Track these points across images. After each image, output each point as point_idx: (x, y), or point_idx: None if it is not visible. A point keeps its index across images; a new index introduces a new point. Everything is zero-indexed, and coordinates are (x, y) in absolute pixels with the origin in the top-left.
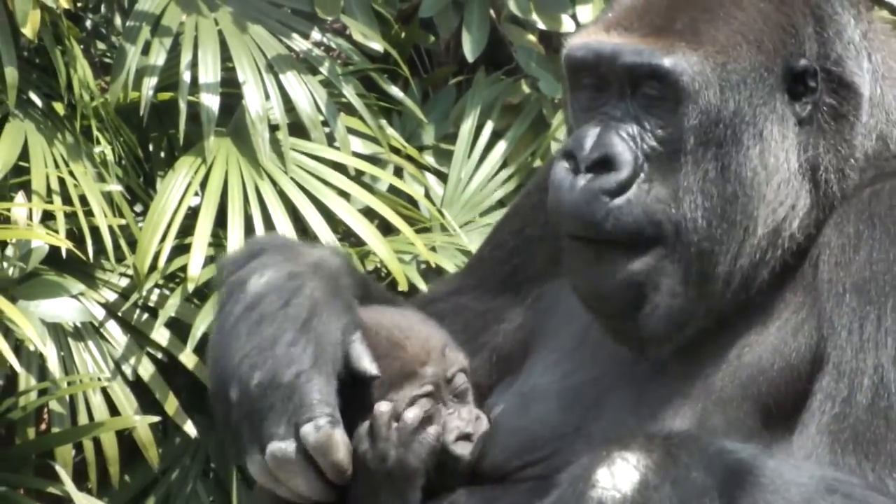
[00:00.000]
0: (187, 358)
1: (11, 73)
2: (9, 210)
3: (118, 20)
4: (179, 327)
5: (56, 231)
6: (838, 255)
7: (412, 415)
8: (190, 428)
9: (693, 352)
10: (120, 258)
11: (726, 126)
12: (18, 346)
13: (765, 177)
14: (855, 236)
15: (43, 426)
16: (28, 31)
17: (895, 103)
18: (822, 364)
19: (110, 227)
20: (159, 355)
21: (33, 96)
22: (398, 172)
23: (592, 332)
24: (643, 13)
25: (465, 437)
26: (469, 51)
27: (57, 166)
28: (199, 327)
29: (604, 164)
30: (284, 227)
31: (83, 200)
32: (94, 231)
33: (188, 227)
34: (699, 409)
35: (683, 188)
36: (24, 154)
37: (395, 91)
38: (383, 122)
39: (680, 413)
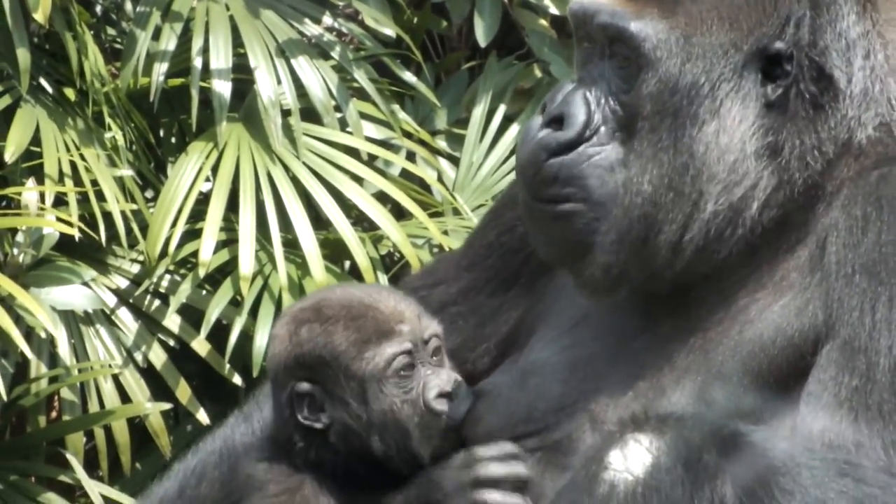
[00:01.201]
0: (199, 345)
1: (24, 57)
2: (20, 195)
3: (129, 5)
4: (191, 313)
5: (68, 216)
6: (846, 237)
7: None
8: (202, 415)
9: (693, 325)
10: (132, 244)
11: (683, 97)
12: (29, 333)
13: (717, 154)
14: (863, 218)
15: (53, 414)
16: (39, 16)
17: None
18: (829, 340)
19: (122, 213)
20: (171, 342)
21: (44, 82)
22: (411, 157)
23: (594, 308)
24: None
25: (445, 395)
26: (481, 35)
27: (68, 151)
28: (213, 313)
29: (559, 121)
30: (297, 211)
31: (95, 185)
32: (106, 217)
33: (199, 213)
34: (699, 382)
35: (635, 152)
36: (35, 140)
37: (408, 76)
38: (396, 106)
39: (679, 386)
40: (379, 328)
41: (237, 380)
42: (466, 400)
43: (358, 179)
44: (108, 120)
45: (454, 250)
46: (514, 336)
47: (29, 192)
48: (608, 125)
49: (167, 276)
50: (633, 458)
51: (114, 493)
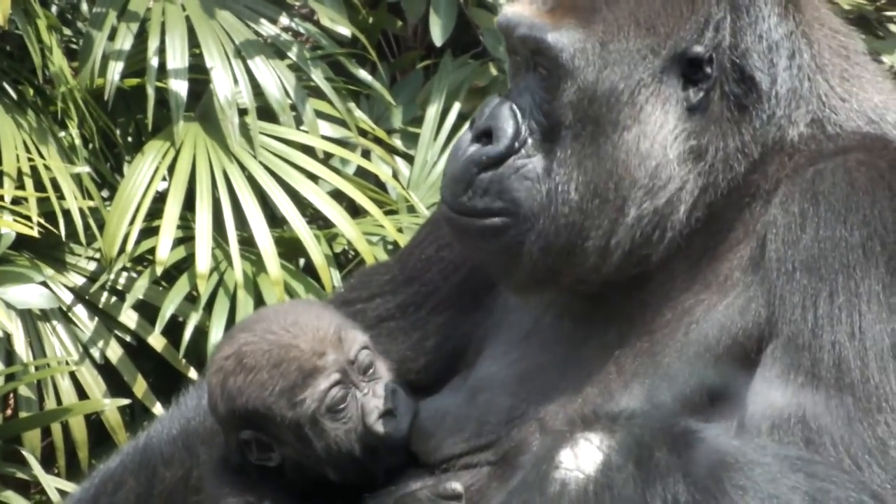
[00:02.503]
0: (156, 340)
1: None
2: None
3: (85, 6)
4: (147, 310)
5: (27, 214)
6: (785, 234)
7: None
8: (159, 410)
9: (638, 330)
10: (89, 241)
11: (602, 105)
12: None
13: (638, 159)
14: (800, 215)
15: (9, 411)
16: None
17: (834, 91)
18: (773, 338)
19: (80, 210)
20: (128, 338)
21: (2, 82)
22: (366, 155)
23: (541, 321)
24: None
25: (387, 412)
26: (437, 35)
27: (28, 150)
28: (168, 309)
29: (487, 135)
30: (253, 209)
31: (54, 184)
32: (65, 214)
33: (156, 211)
34: (647, 385)
35: (560, 161)
36: None
37: (364, 75)
38: (351, 105)
39: (627, 390)
40: (302, 369)
41: (193, 374)
42: (408, 412)
43: (313, 178)
44: (66, 118)
45: (385, 262)
46: (461, 352)
47: None
48: (534, 136)
49: (124, 274)
50: (584, 457)
51: (70, 488)
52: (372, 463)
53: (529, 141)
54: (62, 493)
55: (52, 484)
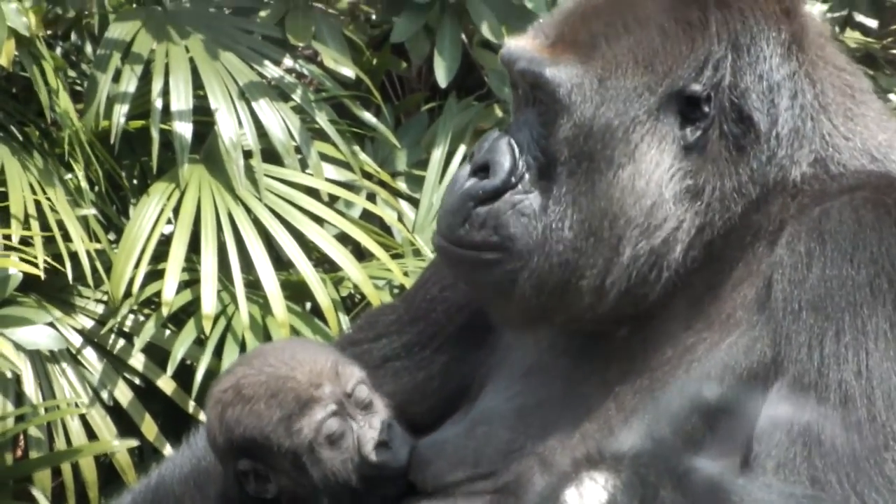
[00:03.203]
0: (165, 383)
1: None
2: None
3: (89, 48)
4: (155, 353)
5: (34, 256)
6: (791, 274)
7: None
8: (169, 452)
9: (639, 367)
10: (97, 284)
11: (598, 141)
12: None
13: (633, 198)
14: (807, 254)
15: (19, 452)
16: (2, 59)
17: (838, 130)
18: (779, 378)
19: (87, 252)
20: (136, 380)
21: (8, 124)
22: (371, 198)
23: (542, 358)
24: (562, 23)
25: (382, 444)
26: (441, 76)
27: (33, 191)
28: (178, 353)
29: (485, 169)
30: (258, 252)
31: (60, 226)
32: (72, 256)
33: (162, 254)
34: (647, 421)
35: (555, 198)
36: (0, 180)
37: (368, 117)
38: (356, 147)
39: (627, 426)
40: (299, 399)
41: (203, 417)
42: (405, 445)
43: (319, 220)
44: (71, 161)
45: (391, 303)
46: (465, 390)
47: None
48: (531, 172)
49: (131, 316)
50: (588, 497)
51: None
52: (368, 494)
53: (526, 176)
54: None
55: None
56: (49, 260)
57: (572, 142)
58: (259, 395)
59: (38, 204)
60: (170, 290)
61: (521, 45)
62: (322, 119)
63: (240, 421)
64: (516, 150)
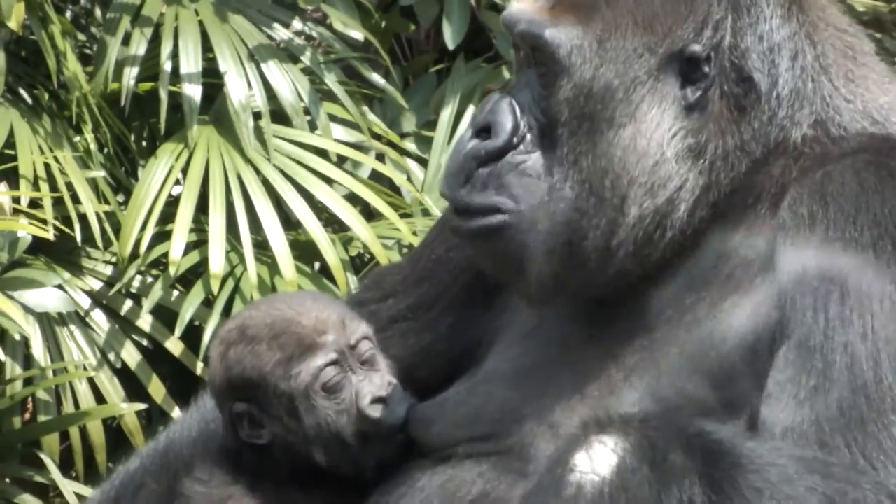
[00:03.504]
0: (173, 345)
1: None
2: None
3: (98, 11)
4: (164, 314)
5: (43, 218)
6: (794, 236)
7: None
8: (177, 414)
9: (639, 327)
10: (105, 246)
11: (598, 102)
12: (3, 335)
13: (635, 157)
14: (809, 217)
15: (28, 415)
16: (13, 23)
17: (839, 92)
18: (784, 341)
19: (97, 214)
20: (144, 342)
21: (18, 87)
22: (380, 158)
23: (544, 319)
24: None
25: (380, 400)
26: (449, 39)
27: (42, 153)
28: (186, 314)
29: (487, 130)
30: (267, 213)
31: (69, 188)
32: (81, 218)
33: (171, 215)
34: (647, 380)
35: (558, 158)
36: (9, 143)
37: (377, 78)
38: (365, 108)
39: (628, 385)
40: (301, 343)
41: None
42: (403, 402)
43: (328, 181)
44: (80, 123)
45: (398, 262)
46: (471, 353)
47: (2, 196)
48: (533, 133)
49: (139, 277)
50: (598, 460)
51: (88, 492)
52: (362, 451)
53: (528, 137)
54: (80, 496)
55: (69, 488)
56: (58, 224)
57: (572, 103)
58: (262, 335)
59: (47, 166)
60: (177, 251)
61: (521, 7)
62: (331, 80)
63: (240, 360)
64: (518, 111)
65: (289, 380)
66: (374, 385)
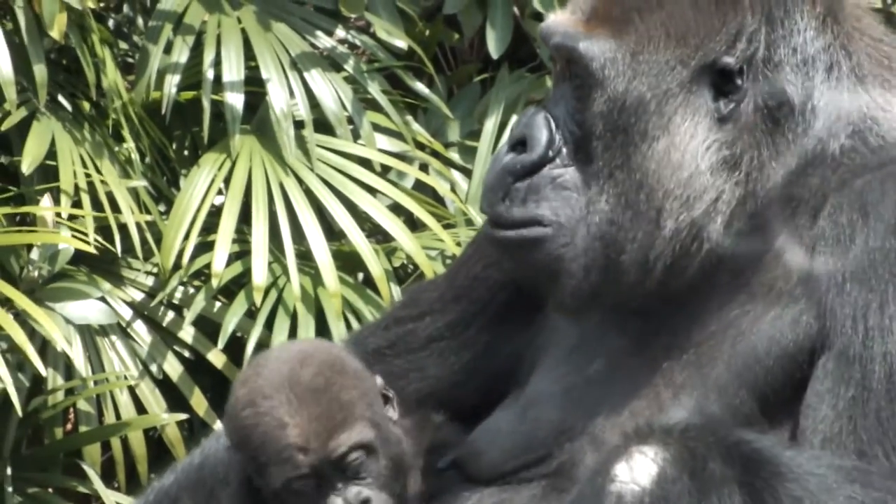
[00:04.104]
0: (215, 356)
1: (41, 72)
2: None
3: (140, 20)
4: (205, 325)
5: (83, 229)
6: (834, 246)
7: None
8: (219, 426)
9: (685, 342)
10: (146, 256)
11: (631, 115)
12: (45, 346)
13: (669, 170)
14: (849, 226)
15: (69, 426)
16: (55, 32)
17: (876, 102)
18: (825, 351)
19: (137, 224)
20: (186, 353)
21: (59, 96)
22: (423, 169)
23: (588, 336)
24: None
25: None
26: (493, 48)
27: (84, 165)
28: (229, 325)
29: (523, 143)
30: (310, 223)
31: (110, 198)
32: (121, 229)
33: (213, 225)
34: (696, 397)
35: (593, 172)
36: (51, 153)
37: (421, 87)
38: (409, 118)
39: (676, 402)
40: (279, 454)
41: None
42: None
43: (371, 191)
44: (123, 133)
45: (434, 280)
46: (511, 372)
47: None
48: (569, 146)
49: (181, 288)
50: (639, 470)
51: (130, 503)
52: None
53: (564, 150)
54: None
55: (112, 498)
56: (98, 238)
57: (606, 115)
58: (254, 425)
59: (87, 176)
60: (220, 262)
61: (557, 19)
62: (374, 89)
63: (239, 427)
64: (553, 125)
65: (264, 477)
66: (342, 501)
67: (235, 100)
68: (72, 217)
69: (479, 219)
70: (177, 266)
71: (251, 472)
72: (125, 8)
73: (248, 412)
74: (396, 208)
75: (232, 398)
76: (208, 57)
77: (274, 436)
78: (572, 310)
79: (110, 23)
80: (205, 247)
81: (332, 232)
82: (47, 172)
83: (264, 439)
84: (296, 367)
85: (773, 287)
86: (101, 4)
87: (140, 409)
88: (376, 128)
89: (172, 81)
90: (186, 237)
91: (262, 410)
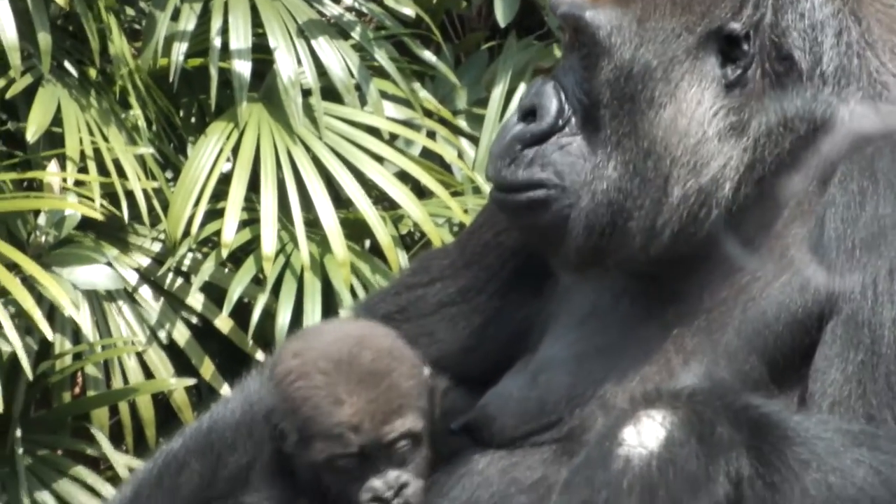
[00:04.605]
0: (222, 322)
1: (45, 39)
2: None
3: None
4: (213, 291)
5: (90, 195)
6: (844, 212)
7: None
8: (226, 391)
9: (696, 308)
10: (153, 223)
11: (638, 82)
12: (53, 310)
13: (677, 137)
14: (860, 193)
15: (77, 390)
16: None
17: (886, 67)
18: (833, 316)
19: (144, 191)
20: (194, 319)
21: (66, 63)
22: (431, 136)
23: (600, 303)
24: None
25: (378, 499)
26: (501, 15)
27: (90, 131)
28: (235, 292)
29: (532, 113)
30: (318, 191)
31: (116, 165)
32: (128, 195)
33: (221, 193)
34: (706, 363)
35: (601, 140)
36: (56, 120)
37: (428, 55)
38: (416, 85)
39: (686, 368)
40: (329, 431)
41: (260, 356)
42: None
43: (379, 159)
44: (130, 100)
45: (444, 247)
46: (522, 338)
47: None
48: (577, 115)
49: (189, 255)
50: (646, 434)
51: (139, 465)
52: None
53: (573, 119)
54: (131, 470)
55: (120, 461)
56: (105, 204)
57: (613, 84)
58: (305, 398)
59: (94, 143)
60: (230, 231)
61: None
62: (382, 57)
63: (288, 398)
64: (562, 94)
65: (307, 449)
66: (382, 483)
67: (243, 67)
68: (78, 183)
69: (486, 187)
70: (185, 233)
71: (290, 441)
72: None
73: (301, 384)
74: (404, 176)
75: (282, 367)
76: (216, 24)
77: (326, 411)
78: (576, 267)
79: None
80: (213, 214)
81: (340, 199)
82: (54, 139)
83: (314, 413)
84: (354, 348)
85: (784, 254)
86: None
87: (148, 374)
88: (384, 95)
89: (180, 49)
90: (196, 205)
91: (317, 384)
